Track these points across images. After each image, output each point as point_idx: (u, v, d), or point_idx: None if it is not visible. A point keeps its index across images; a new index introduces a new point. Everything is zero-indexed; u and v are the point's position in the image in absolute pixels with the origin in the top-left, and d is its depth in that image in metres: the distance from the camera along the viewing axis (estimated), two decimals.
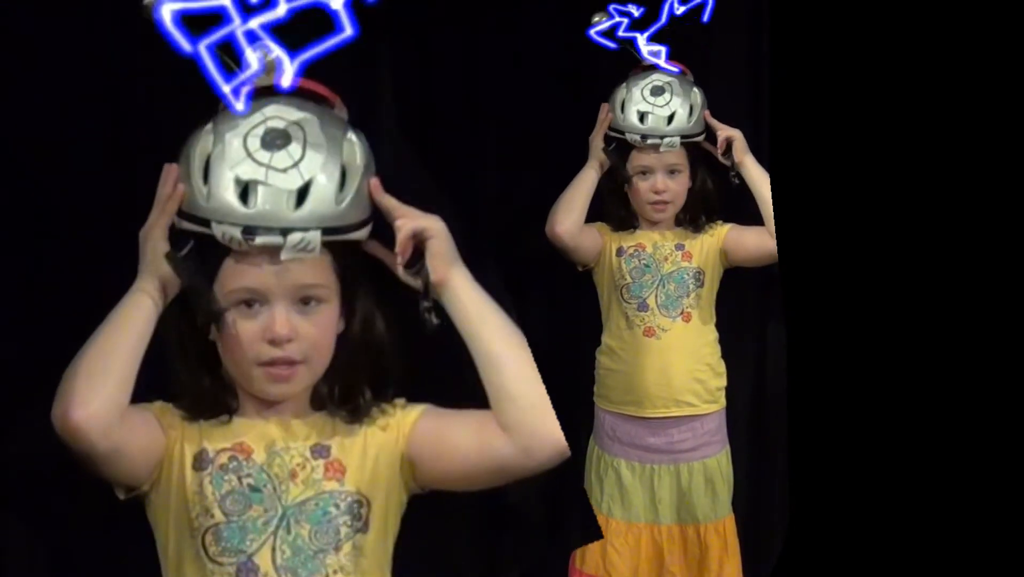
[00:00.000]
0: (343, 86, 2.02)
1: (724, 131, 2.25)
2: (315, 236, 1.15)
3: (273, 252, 1.16)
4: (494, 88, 2.37)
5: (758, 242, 2.28)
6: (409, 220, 1.22)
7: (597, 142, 2.28)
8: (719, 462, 2.32)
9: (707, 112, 2.27)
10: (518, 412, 1.22)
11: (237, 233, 1.14)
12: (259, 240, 1.14)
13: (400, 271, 1.24)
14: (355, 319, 1.26)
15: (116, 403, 1.14)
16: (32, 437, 1.76)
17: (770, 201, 2.20)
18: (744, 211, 2.59)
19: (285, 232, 1.14)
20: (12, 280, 1.62)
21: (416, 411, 1.29)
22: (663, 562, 2.30)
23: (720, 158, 2.27)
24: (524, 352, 1.27)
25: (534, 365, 1.26)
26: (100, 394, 1.13)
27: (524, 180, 2.46)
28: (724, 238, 2.31)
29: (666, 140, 2.21)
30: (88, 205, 1.65)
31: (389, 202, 1.23)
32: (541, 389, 1.25)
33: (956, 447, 2.63)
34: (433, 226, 1.23)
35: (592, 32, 2.25)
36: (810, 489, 2.74)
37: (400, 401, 1.30)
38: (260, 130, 1.16)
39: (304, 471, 1.23)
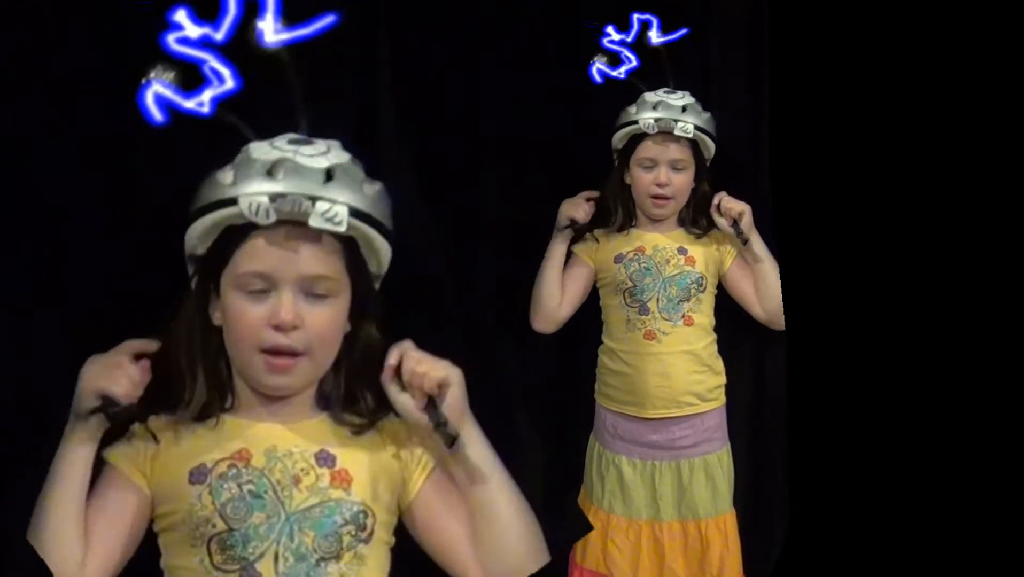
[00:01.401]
0: (343, 93, 2.05)
1: (735, 205, 2.23)
2: (343, 210, 1.16)
3: (290, 234, 1.17)
4: (495, 89, 2.37)
5: (750, 300, 2.31)
6: (433, 370, 1.23)
7: (568, 209, 2.26)
8: (720, 458, 2.32)
9: (721, 195, 2.24)
10: (502, 570, 1.25)
11: (265, 200, 1.14)
12: (288, 204, 1.13)
13: (411, 409, 1.25)
14: (363, 322, 1.26)
15: (75, 561, 1.18)
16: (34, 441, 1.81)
17: (775, 283, 2.18)
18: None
19: (314, 200, 1.14)
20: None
21: (428, 466, 1.29)
22: (664, 559, 2.29)
23: (723, 226, 2.24)
24: (524, 514, 1.28)
25: (530, 524, 1.28)
26: (66, 565, 1.18)
27: (524, 180, 2.45)
28: (728, 268, 2.30)
29: (680, 124, 2.19)
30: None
31: (407, 361, 1.24)
32: (532, 546, 1.28)
33: (957, 446, 2.65)
34: (453, 375, 1.24)
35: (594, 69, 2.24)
36: (810, 489, 2.76)
37: (402, 423, 1.30)
38: (284, 138, 1.19)
39: (308, 477, 1.22)
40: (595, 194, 2.25)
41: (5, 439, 1.75)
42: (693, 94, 2.29)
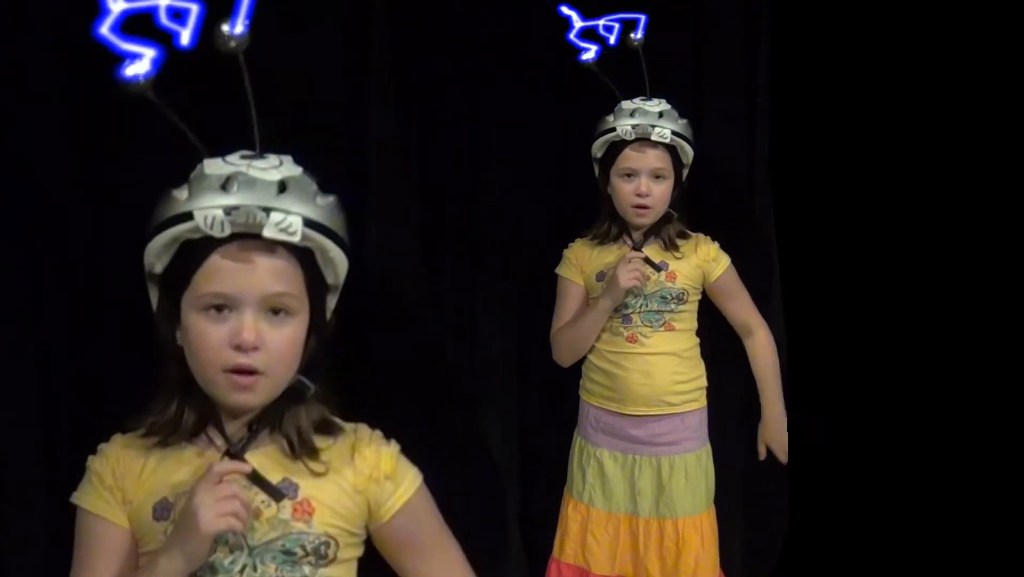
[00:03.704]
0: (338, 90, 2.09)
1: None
2: (297, 220, 1.15)
3: (247, 250, 1.16)
4: (494, 90, 2.40)
5: (730, 315, 2.35)
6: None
7: (629, 280, 2.19)
8: (699, 458, 2.32)
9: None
10: None
11: (219, 212, 1.13)
12: (242, 216, 1.13)
13: None
14: (310, 337, 1.24)
15: None
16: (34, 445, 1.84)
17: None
18: (741, 212, 2.60)
19: (268, 211, 1.14)
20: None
21: (404, 497, 1.28)
22: (639, 554, 2.30)
23: None
24: None
25: None
26: None
27: (523, 187, 2.48)
28: (715, 279, 2.30)
29: (657, 129, 2.18)
30: None
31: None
32: None
33: (956, 446, 2.66)
34: None
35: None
36: (810, 489, 2.77)
37: (368, 440, 1.29)
38: (237, 154, 1.20)
39: (269, 510, 1.22)
40: (640, 254, 2.22)
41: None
42: (688, 99, 2.30)
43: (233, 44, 1.17)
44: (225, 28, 1.17)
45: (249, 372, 1.17)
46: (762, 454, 2.39)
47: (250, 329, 1.16)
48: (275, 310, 1.19)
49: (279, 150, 1.21)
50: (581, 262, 2.33)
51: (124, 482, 1.23)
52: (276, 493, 1.21)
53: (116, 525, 1.23)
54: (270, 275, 1.17)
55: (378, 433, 1.31)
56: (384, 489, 1.27)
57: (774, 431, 2.38)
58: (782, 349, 2.67)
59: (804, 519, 2.74)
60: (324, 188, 1.21)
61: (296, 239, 1.16)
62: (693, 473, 2.30)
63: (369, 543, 1.31)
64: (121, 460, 1.24)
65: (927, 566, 2.60)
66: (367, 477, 1.26)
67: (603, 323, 2.28)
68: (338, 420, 1.29)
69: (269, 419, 1.23)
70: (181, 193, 1.17)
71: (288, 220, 1.15)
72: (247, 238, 1.16)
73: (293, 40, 1.86)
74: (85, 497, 1.24)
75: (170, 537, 1.18)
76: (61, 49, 1.77)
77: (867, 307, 2.74)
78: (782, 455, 2.38)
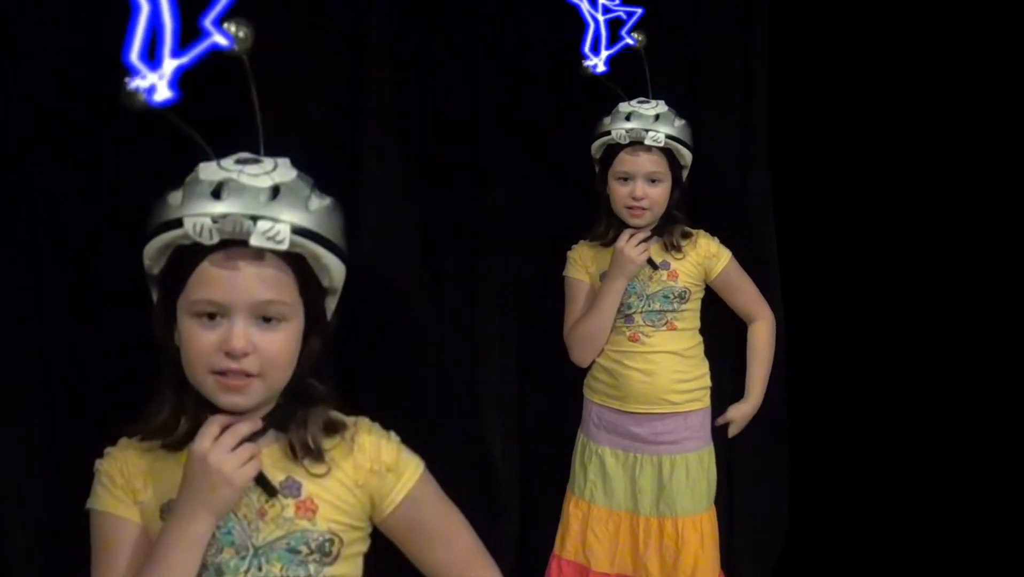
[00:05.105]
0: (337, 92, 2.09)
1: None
2: (285, 228, 1.16)
3: (239, 257, 1.17)
4: (496, 91, 2.40)
5: (741, 310, 2.39)
6: None
7: (636, 256, 2.23)
8: (701, 457, 2.33)
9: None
10: None
11: (208, 220, 1.14)
12: (229, 224, 1.14)
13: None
14: (309, 339, 1.25)
15: None
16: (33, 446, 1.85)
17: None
18: (740, 211, 2.59)
19: (255, 219, 1.15)
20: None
21: (407, 488, 1.29)
22: (639, 552, 2.31)
23: None
24: None
25: None
26: None
27: (524, 185, 2.48)
28: (717, 275, 2.32)
29: (651, 134, 2.19)
30: None
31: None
32: None
33: (957, 445, 2.67)
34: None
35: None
36: (810, 489, 2.78)
37: (368, 432, 1.30)
38: (233, 157, 1.20)
39: (273, 509, 1.23)
40: (643, 235, 2.24)
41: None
42: (687, 99, 2.30)
43: (237, 47, 1.17)
44: (231, 30, 1.17)
45: (241, 374, 1.18)
46: (721, 422, 2.41)
47: (239, 337, 1.17)
48: (267, 316, 1.19)
49: (277, 150, 1.21)
50: (586, 263, 2.35)
51: (133, 482, 1.25)
52: (270, 489, 1.23)
53: (132, 521, 1.24)
54: (259, 282, 1.18)
55: (377, 425, 1.32)
56: (386, 482, 1.28)
57: (738, 413, 2.39)
58: (782, 348, 2.68)
59: (804, 519, 2.75)
60: (322, 189, 1.21)
61: (284, 247, 1.17)
62: (694, 472, 2.31)
63: (376, 538, 1.32)
64: (128, 461, 1.26)
65: (927, 566, 2.61)
66: (367, 471, 1.27)
67: (618, 305, 2.27)
68: (340, 416, 1.30)
69: (277, 420, 1.24)
70: (175, 197, 1.18)
71: (276, 228, 1.15)
72: (237, 245, 1.17)
73: (291, 39, 1.87)
74: (98, 500, 1.25)
75: (185, 503, 1.18)
76: (61, 48, 1.77)
77: (868, 307, 2.75)
78: (732, 429, 2.41)
